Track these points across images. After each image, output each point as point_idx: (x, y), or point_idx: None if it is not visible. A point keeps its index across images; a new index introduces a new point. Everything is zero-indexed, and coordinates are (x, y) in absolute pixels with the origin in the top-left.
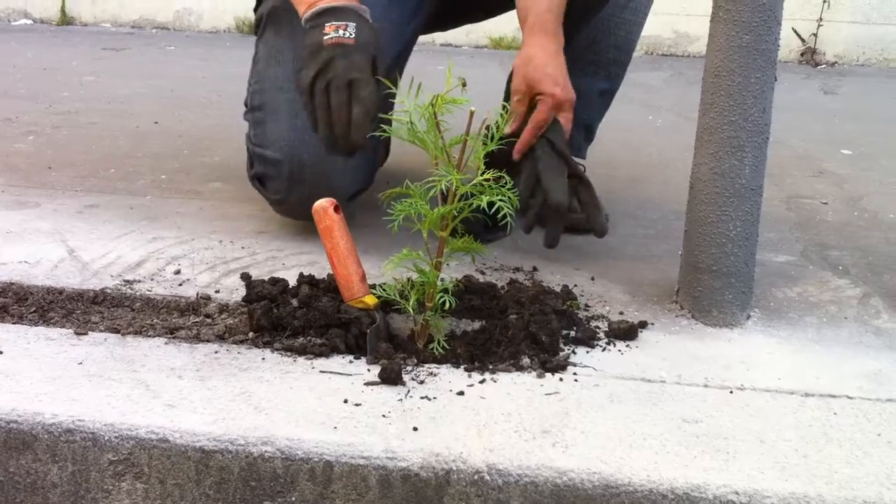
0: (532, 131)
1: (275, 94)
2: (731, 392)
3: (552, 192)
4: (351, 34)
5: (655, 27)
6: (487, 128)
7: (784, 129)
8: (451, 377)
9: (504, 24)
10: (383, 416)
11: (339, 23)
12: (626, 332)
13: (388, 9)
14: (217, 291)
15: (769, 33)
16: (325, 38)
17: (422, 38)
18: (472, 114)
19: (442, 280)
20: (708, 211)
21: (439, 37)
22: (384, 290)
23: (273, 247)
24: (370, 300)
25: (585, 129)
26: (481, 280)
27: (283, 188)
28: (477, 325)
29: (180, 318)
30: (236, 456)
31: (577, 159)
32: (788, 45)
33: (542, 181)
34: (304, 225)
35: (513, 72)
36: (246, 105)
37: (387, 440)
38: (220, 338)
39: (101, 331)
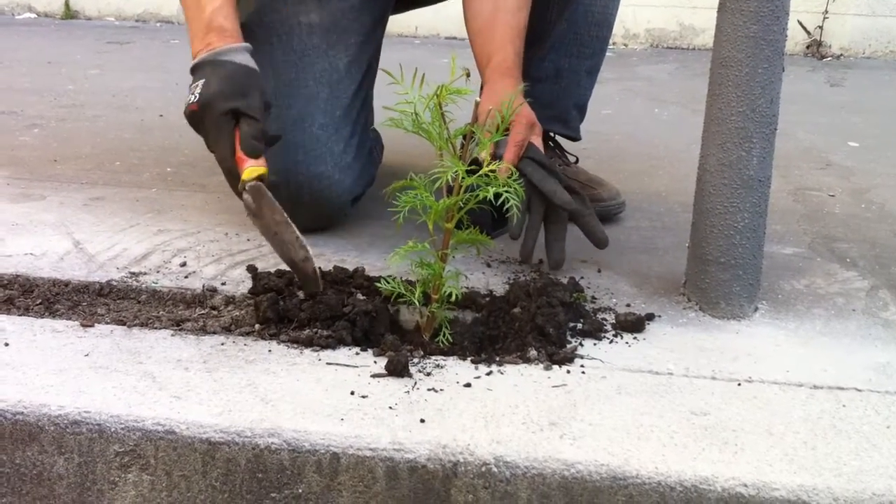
0: (515, 150)
1: None
2: (739, 384)
3: (557, 195)
4: (195, 97)
5: (661, 20)
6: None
7: (790, 121)
8: (457, 369)
9: None
10: (390, 407)
11: (195, 83)
12: (633, 325)
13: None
14: (223, 283)
15: (777, 23)
16: (186, 106)
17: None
18: (477, 104)
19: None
20: (715, 202)
21: (443, 30)
22: (389, 282)
23: None
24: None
25: (578, 108)
26: (488, 271)
27: (286, 209)
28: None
29: (186, 310)
30: (243, 448)
31: (569, 154)
32: (794, 38)
33: (543, 189)
34: None
35: (478, 105)
36: None
37: (394, 432)
38: (227, 330)
39: (107, 323)
